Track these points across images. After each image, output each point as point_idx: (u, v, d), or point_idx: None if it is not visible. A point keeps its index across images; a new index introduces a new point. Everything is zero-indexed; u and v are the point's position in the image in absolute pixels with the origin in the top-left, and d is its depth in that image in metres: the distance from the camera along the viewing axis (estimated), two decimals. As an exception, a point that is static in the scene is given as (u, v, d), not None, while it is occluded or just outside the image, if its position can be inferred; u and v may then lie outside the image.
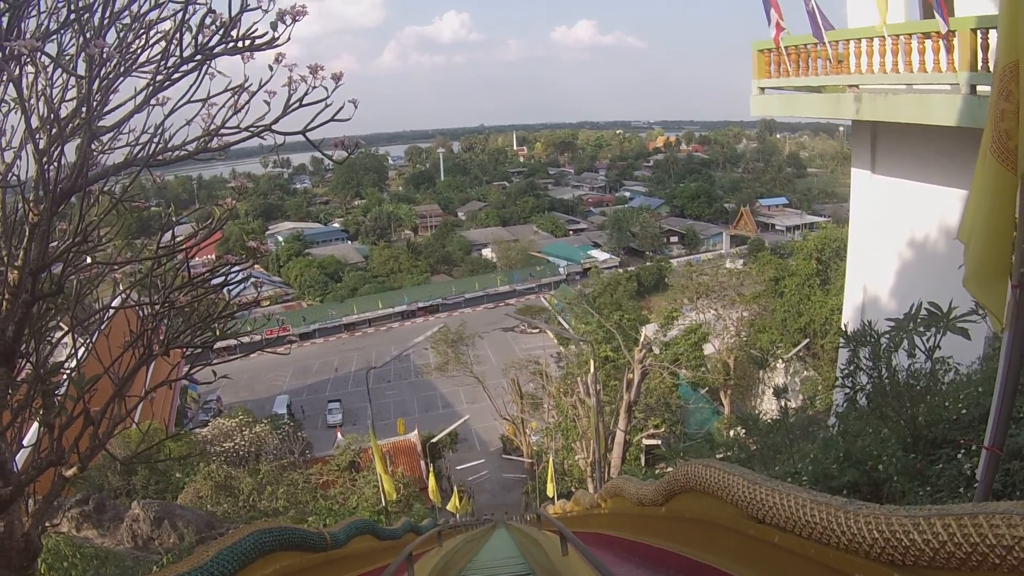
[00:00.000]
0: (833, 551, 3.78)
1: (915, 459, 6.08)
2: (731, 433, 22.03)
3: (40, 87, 3.34)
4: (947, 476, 5.68)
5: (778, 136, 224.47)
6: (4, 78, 3.29)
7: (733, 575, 5.62)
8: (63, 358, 3.69)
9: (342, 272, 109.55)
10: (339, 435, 46.86)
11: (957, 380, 7.81)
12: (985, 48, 11.69)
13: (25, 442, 3.64)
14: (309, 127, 3.55)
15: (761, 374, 43.70)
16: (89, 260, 3.77)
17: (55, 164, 3.18)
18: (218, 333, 4.43)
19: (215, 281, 4.35)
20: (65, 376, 3.54)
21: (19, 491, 3.05)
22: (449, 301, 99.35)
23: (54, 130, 3.20)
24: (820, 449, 7.23)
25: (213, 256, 4.86)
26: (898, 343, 6.27)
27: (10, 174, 3.48)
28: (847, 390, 7.32)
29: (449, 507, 35.29)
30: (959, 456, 5.77)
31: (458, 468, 50.32)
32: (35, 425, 3.53)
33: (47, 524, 3.81)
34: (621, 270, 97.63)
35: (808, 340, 44.35)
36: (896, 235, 16.62)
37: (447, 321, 78.12)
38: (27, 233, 3.07)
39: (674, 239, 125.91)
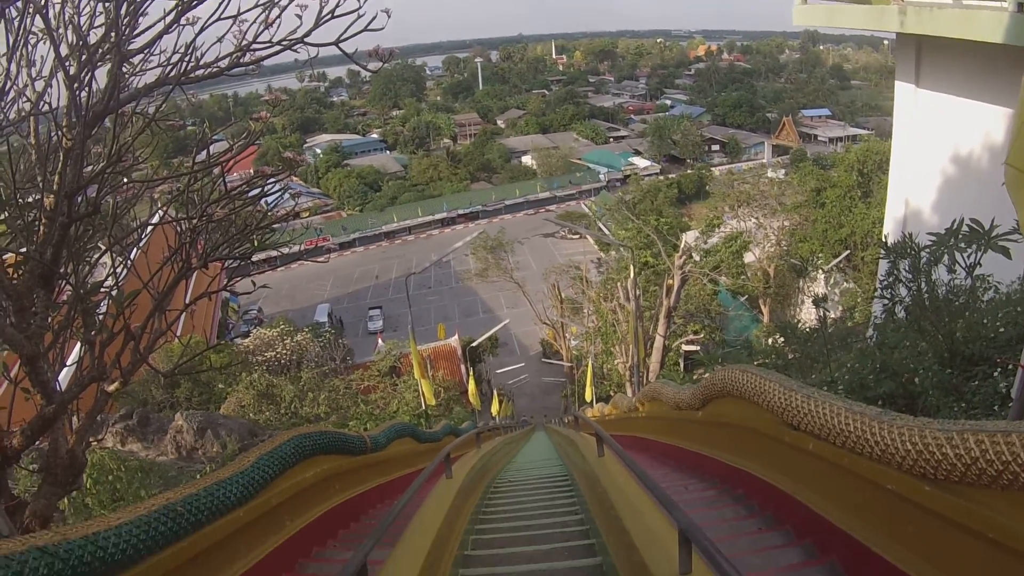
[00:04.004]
0: (866, 461, 3.80)
1: (951, 374, 6.06)
2: (769, 341, 21.97)
3: (67, 15, 3.32)
4: (982, 393, 5.67)
5: (821, 48, 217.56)
6: (31, 9, 3.27)
7: (768, 480, 5.69)
8: (102, 277, 3.74)
9: (381, 182, 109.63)
10: (380, 341, 47.53)
11: (996, 298, 7.74)
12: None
13: (69, 362, 3.74)
14: (342, 38, 3.52)
15: (801, 283, 43.56)
16: (126, 181, 3.80)
17: (86, 89, 3.18)
18: (256, 244, 4.47)
19: (252, 193, 4.37)
20: (104, 294, 3.60)
21: (62, 409, 3.13)
22: (489, 208, 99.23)
23: (84, 56, 3.19)
24: (857, 359, 7.21)
25: (251, 171, 4.88)
26: (938, 257, 6.19)
27: (42, 102, 3.49)
28: (886, 302, 7.26)
29: (490, 411, 35.82)
30: (995, 374, 5.74)
31: (498, 372, 50.98)
32: (78, 345, 3.61)
33: (91, 440, 3.93)
34: (661, 177, 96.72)
35: (849, 252, 43.77)
36: (939, 150, 16.32)
37: (487, 228, 78.05)
38: (61, 158, 3.09)
39: (715, 147, 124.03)
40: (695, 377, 24.60)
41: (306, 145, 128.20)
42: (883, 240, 7.94)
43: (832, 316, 30.87)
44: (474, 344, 46.47)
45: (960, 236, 5.91)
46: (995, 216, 5.72)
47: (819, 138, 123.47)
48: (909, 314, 7.13)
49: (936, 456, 3.04)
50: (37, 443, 3.33)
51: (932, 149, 16.79)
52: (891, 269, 6.92)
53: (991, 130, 14.23)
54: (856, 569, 4.13)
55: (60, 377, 3.47)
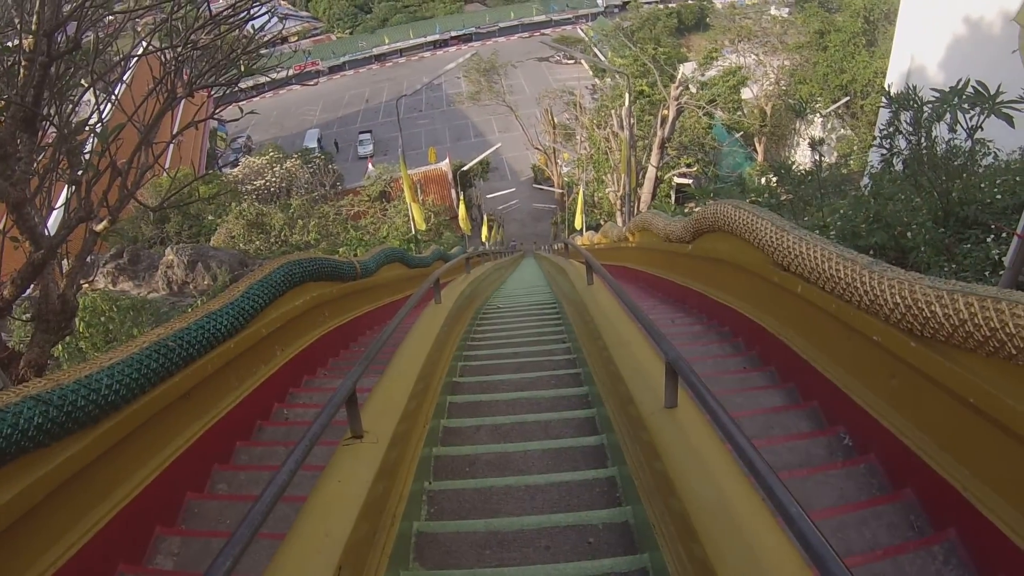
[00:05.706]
0: (853, 310, 3.84)
1: (944, 234, 6.09)
2: (763, 180, 21.98)
3: None
4: (974, 257, 5.72)
5: None
6: None
7: (754, 320, 5.77)
8: (87, 115, 3.63)
9: (372, 2, 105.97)
10: (370, 166, 47.24)
11: (995, 165, 7.71)
12: None
13: (56, 205, 3.68)
14: None
15: (798, 125, 43.25)
16: (107, 14, 3.63)
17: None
18: (243, 70, 4.36)
19: (238, 18, 4.22)
20: (89, 132, 3.50)
21: (52, 253, 3.09)
22: (483, 30, 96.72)
23: None
24: (851, 206, 7.21)
25: (236, -5, 4.68)
26: (941, 114, 6.12)
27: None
28: (884, 152, 7.20)
29: (480, 236, 36.04)
30: (989, 240, 5.78)
31: (488, 197, 51.01)
32: (65, 187, 3.53)
33: (82, 282, 3.92)
34: (661, 6, 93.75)
35: (848, 98, 43.19)
36: (951, 9, 16.09)
37: (480, 50, 76.22)
38: (39, -3, 2.90)
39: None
40: (686, 210, 24.70)
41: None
42: (886, 89, 7.79)
43: (827, 161, 30.86)
44: (465, 168, 46.22)
45: (964, 97, 5.83)
46: (1002, 82, 5.64)
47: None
48: (907, 167, 7.08)
49: (925, 313, 3.06)
50: (28, 291, 3.31)
51: (943, 7, 16.58)
52: (892, 119, 6.83)
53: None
54: (837, 418, 4.23)
55: (49, 222, 3.42)
